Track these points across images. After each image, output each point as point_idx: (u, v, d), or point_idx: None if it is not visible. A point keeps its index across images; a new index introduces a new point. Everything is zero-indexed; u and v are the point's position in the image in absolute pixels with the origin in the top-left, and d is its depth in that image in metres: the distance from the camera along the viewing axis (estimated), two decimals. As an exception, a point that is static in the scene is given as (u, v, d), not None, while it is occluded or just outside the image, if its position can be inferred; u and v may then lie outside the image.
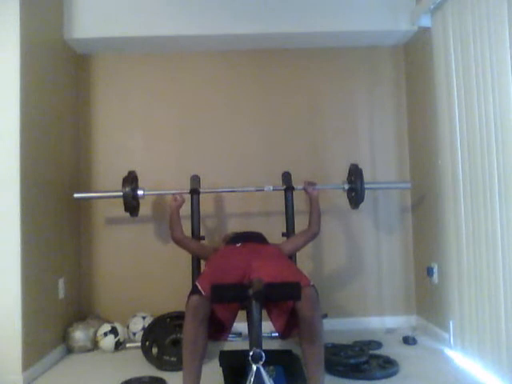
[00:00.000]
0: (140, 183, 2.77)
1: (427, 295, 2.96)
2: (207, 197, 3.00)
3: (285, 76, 3.23)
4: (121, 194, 2.63)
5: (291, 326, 1.94)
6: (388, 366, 2.31)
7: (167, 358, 2.50)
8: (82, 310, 3.05)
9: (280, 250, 2.31)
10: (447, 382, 2.21)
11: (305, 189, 2.63)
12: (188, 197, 2.67)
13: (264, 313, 1.81)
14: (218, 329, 1.94)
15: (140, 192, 2.69)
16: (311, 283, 1.91)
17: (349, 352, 2.41)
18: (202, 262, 2.51)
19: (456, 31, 2.43)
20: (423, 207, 3.01)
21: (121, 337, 2.77)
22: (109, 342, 2.74)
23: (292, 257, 2.50)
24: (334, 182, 2.97)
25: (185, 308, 1.83)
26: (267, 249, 2.25)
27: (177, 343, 2.56)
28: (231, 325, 1.97)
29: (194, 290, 1.86)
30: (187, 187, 2.68)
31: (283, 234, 2.67)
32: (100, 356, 2.73)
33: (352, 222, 3.18)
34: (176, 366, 2.42)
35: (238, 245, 2.25)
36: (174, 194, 2.60)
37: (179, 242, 2.48)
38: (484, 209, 2.20)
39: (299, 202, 2.82)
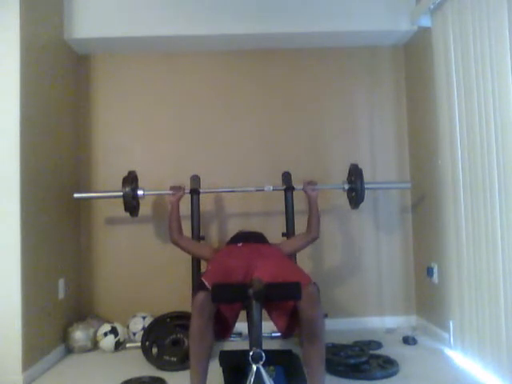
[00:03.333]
0: (140, 183, 2.77)
1: (427, 295, 2.96)
2: (207, 197, 3.00)
3: (285, 76, 3.23)
4: (121, 194, 2.63)
5: (293, 324, 1.94)
6: (388, 366, 2.31)
7: (167, 357, 2.50)
8: (81, 310, 3.05)
9: (280, 249, 2.33)
10: (447, 382, 2.21)
11: (304, 189, 2.63)
12: (188, 197, 2.67)
13: (264, 313, 1.81)
14: (221, 327, 1.94)
15: (140, 192, 2.69)
16: (312, 281, 1.92)
17: (349, 352, 2.41)
18: (203, 263, 2.51)
19: (456, 31, 2.43)
20: (423, 207, 3.01)
21: (121, 337, 2.77)
22: (109, 341, 2.74)
23: (292, 256, 2.51)
24: (334, 182, 2.97)
25: (191, 305, 1.82)
26: (268, 248, 2.26)
27: (177, 343, 2.57)
28: (234, 323, 1.98)
29: (201, 287, 1.86)
30: (187, 187, 2.68)
31: (283, 234, 2.68)
32: (100, 356, 2.73)
33: (352, 222, 3.18)
34: (176, 366, 2.42)
35: (240, 244, 2.26)
36: (171, 187, 2.60)
37: (177, 243, 2.49)
38: (484, 209, 2.20)
39: (299, 202, 2.82)
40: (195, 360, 1.80)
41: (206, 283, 1.85)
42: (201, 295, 1.81)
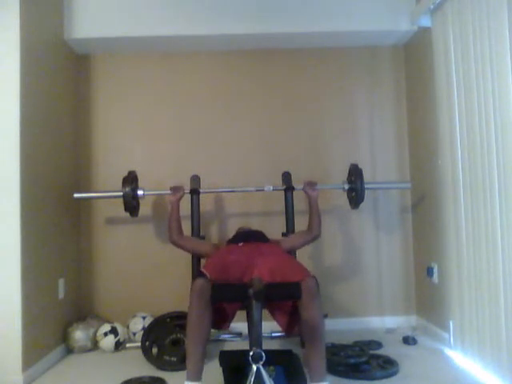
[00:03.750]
0: (140, 183, 2.77)
1: (427, 295, 2.96)
2: (207, 197, 3.00)
3: (285, 76, 3.23)
4: (121, 193, 2.63)
5: (294, 322, 1.96)
6: (388, 366, 2.31)
7: (167, 357, 2.50)
8: (81, 310, 3.05)
9: (279, 245, 2.35)
10: (447, 382, 2.21)
11: (304, 190, 2.64)
12: (188, 197, 2.67)
13: (264, 312, 1.81)
14: (219, 317, 1.95)
15: (140, 192, 2.69)
16: (311, 275, 1.93)
17: (349, 352, 2.41)
18: (203, 262, 2.51)
19: (456, 31, 2.43)
20: (423, 207, 3.01)
21: (121, 337, 2.77)
22: (109, 341, 2.74)
23: (291, 252, 2.52)
24: (334, 182, 2.97)
25: (190, 292, 1.84)
26: (268, 247, 2.27)
27: (177, 343, 2.57)
28: (233, 314, 2.00)
29: (199, 275, 1.89)
30: (187, 187, 2.68)
31: (283, 234, 2.68)
32: (100, 356, 2.73)
33: (352, 222, 3.18)
34: (176, 366, 2.42)
35: (241, 244, 2.27)
36: (171, 187, 2.61)
37: (176, 243, 2.50)
38: (484, 209, 2.20)
39: (299, 201, 2.82)
40: (193, 344, 1.81)
41: (205, 272, 1.87)
42: (200, 280, 1.84)
